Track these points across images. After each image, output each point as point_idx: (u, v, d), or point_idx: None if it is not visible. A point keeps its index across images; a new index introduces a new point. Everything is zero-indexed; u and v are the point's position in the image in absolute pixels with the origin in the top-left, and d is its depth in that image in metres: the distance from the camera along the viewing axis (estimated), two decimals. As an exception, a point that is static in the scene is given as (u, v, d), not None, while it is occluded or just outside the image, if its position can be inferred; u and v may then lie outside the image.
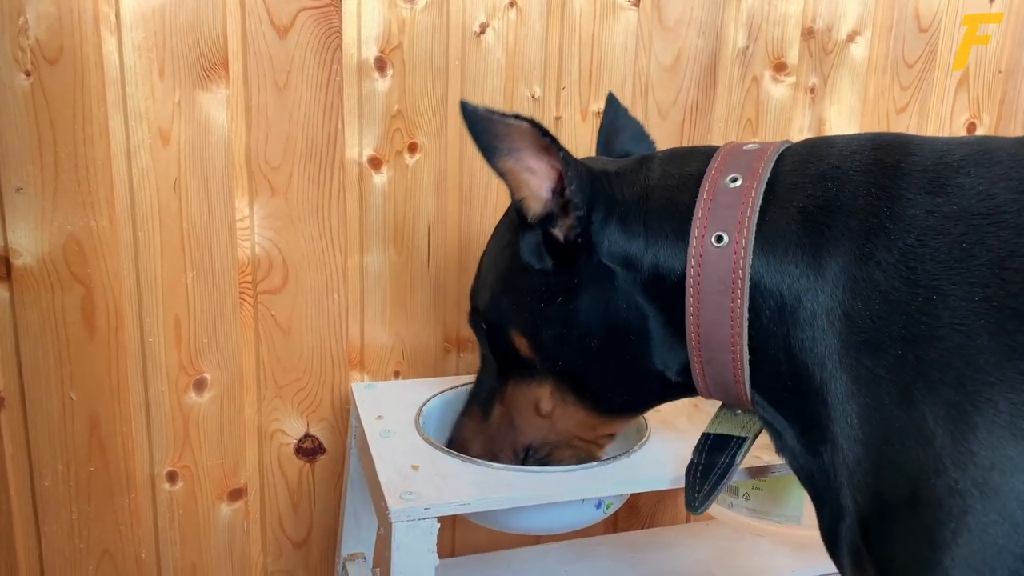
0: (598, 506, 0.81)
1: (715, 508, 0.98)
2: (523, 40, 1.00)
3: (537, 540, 1.10)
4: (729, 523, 0.97)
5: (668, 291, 0.64)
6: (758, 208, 0.60)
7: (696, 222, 0.62)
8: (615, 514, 1.18)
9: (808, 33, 1.11)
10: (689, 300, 0.62)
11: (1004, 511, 0.46)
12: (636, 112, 1.06)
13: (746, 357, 0.61)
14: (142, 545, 1.00)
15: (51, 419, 0.93)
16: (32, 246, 0.89)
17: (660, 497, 1.21)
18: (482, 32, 0.98)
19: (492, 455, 0.79)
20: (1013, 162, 0.53)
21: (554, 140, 0.63)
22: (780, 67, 1.12)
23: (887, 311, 0.52)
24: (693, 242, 0.61)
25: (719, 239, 0.60)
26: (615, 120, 0.83)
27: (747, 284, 0.59)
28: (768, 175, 0.61)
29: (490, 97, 1.00)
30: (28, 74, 0.84)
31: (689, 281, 0.62)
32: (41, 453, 0.94)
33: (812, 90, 1.14)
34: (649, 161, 0.69)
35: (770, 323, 0.59)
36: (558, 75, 1.03)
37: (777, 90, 1.12)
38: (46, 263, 0.89)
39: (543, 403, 0.74)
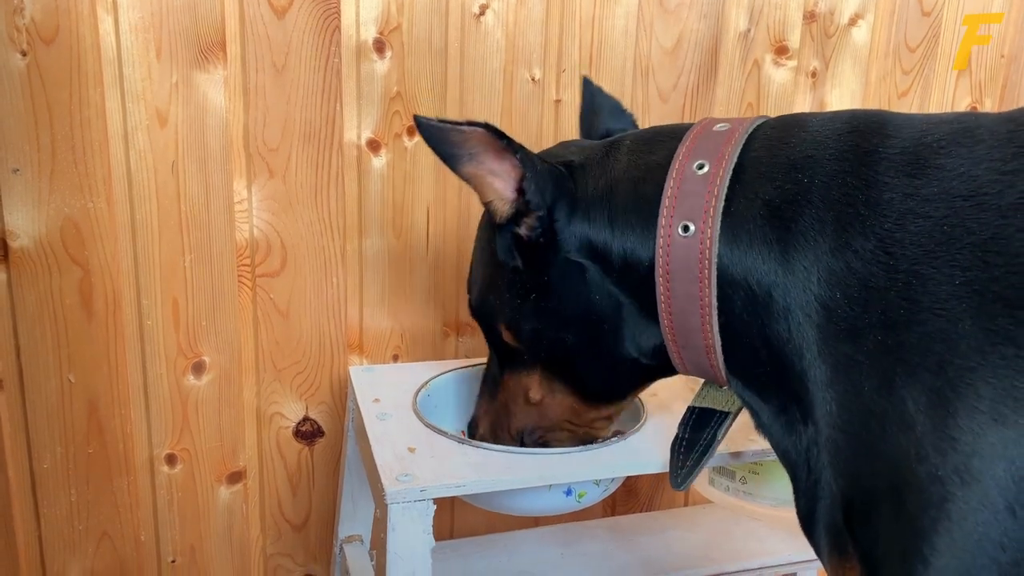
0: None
1: (711, 492, 0.98)
2: (523, 22, 0.99)
3: (535, 522, 1.11)
4: (726, 506, 0.97)
5: (639, 280, 0.64)
6: (723, 197, 0.59)
7: (663, 211, 0.61)
8: (613, 497, 1.18)
9: (810, 16, 1.10)
10: (660, 289, 0.62)
11: (985, 498, 0.45)
12: (637, 96, 1.06)
13: (719, 343, 0.61)
14: (141, 527, 1.01)
15: (49, 401, 0.94)
16: (29, 228, 0.88)
17: (658, 481, 1.21)
18: (482, 13, 0.98)
19: (494, 436, 0.80)
20: (995, 141, 0.51)
21: (510, 142, 0.63)
22: (782, 51, 1.11)
23: (866, 298, 0.52)
24: (661, 231, 0.61)
25: (686, 228, 0.60)
26: (592, 102, 0.83)
27: (714, 273, 0.59)
28: (735, 160, 0.60)
29: (489, 80, 1.00)
30: (24, 54, 0.84)
31: (658, 271, 0.62)
32: (40, 435, 0.94)
33: (814, 74, 1.13)
34: (616, 149, 0.68)
35: (743, 313, 0.59)
36: (558, 58, 1.02)
37: (778, 74, 1.11)
38: (43, 245, 0.89)
39: (532, 392, 0.76)
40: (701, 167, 0.61)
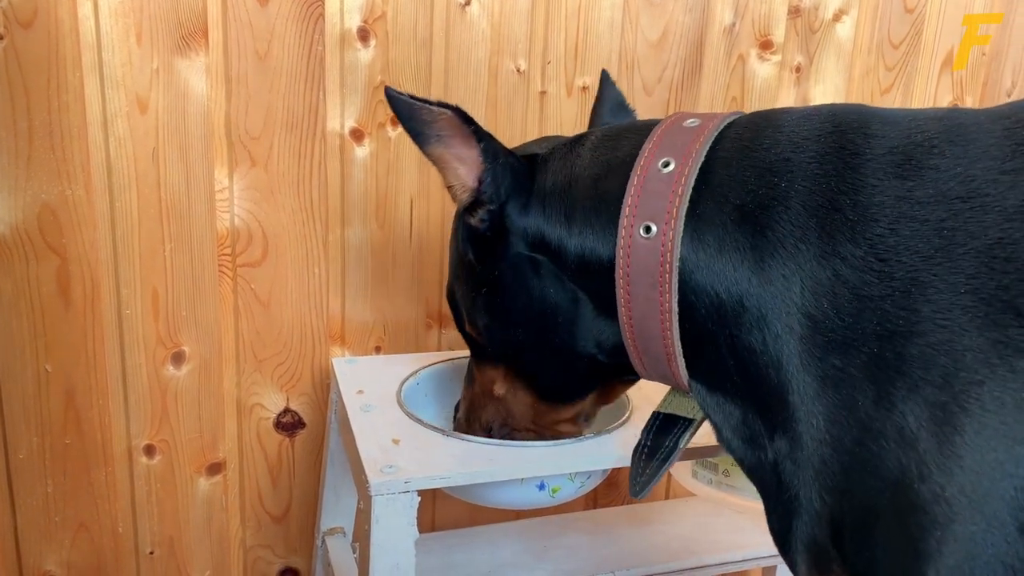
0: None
1: (694, 484, 0.98)
2: (509, 12, 0.99)
3: (517, 515, 1.11)
4: (709, 499, 0.98)
5: (597, 279, 0.62)
6: (688, 198, 0.56)
7: (625, 210, 0.59)
8: (595, 491, 1.18)
9: (794, 11, 1.11)
10: (620, 292, 0.60)
11: (993, 519, 0.42)
12: (621, 88, 1.05)
13: (679, 351, 0.59)
14: (119, 519, 1.00)
15: (26, 391, 0.92)
16: (5, 215, 0.87)
17: (640, 474, 1.21)
18: (467, 3, 0.97)
19: (468, 424, 0.80)
20: (990, 139, 0.49)
21: (477, 129, 0.62)
22: (766, 45, 1.11)
23: (858, 308, 0.49)
24: (622, 231, 0.59)
25: (647, 230, 0.58)
26: (602, 92, 0.82)
27: (675, 279, 0.57)
28: (702, 160, 0.57)
29: (474, 70, 0.99)
30: (1, 38, 0.82)
31: (619, 272, 0.59)
32: (16, 425, 0.93)
33: (798, 69, 1.13)
34: (580, 144, 0.66)
35: (707, 321, 0.56)
36: (544, 49, 1.01)
37: (763, 68, 1.12)
38: (20, 232, 0.88)
39: (496, 386, 0.75)
40: (666, 165, 0.58)
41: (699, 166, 0.57)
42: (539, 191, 0.65)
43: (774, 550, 1.05)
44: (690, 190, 0.57)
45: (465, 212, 0.67)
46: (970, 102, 1.24)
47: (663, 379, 0.64)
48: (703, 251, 0.56)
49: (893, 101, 1.20)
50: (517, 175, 0.65)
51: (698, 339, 0.58)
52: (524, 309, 0.67)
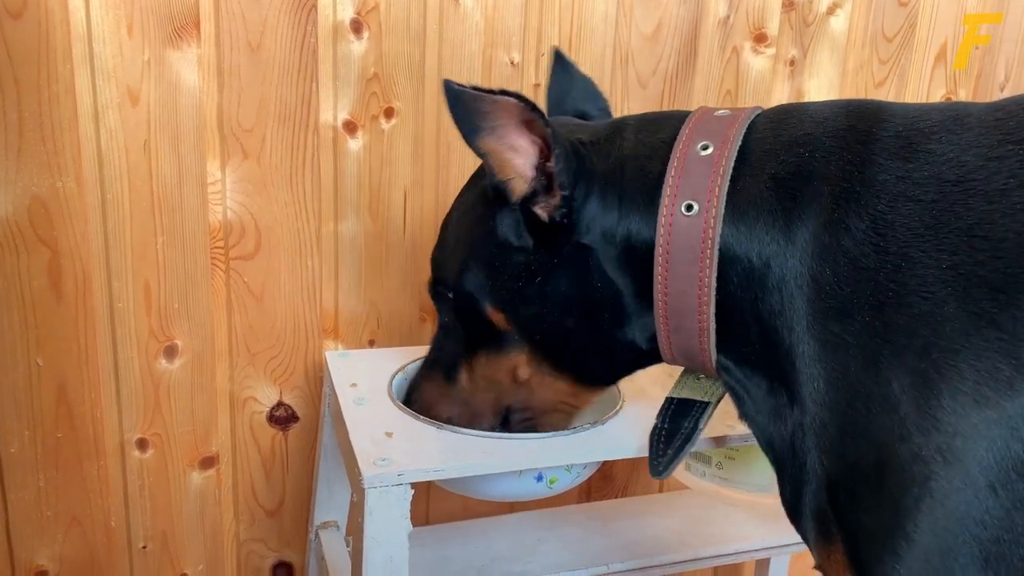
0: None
1: (687, 477, 0.98)
2: (502, 5, 0.98)
3: (511, 508, 1.11)
4: (702, 492, 0.97)
5: (639, 263, 0.63)
6: (728, 177, 0.60)
7: (666, 190, 0.61)
8: (589, 483, 1.18)
9: (789, 4, 1.11)
10: (657, 269, 0.62)
11: (967, 477, 0.46)
12: (616, 81, 1.06)
13: (712, 325, 0.61)
14: (112, 513, 0.99)
15: (17, 385, 0.92)
16: (-4, 207, 0.86)
17: (634, 466, 1.21)
18: (461, -5, 0.97)
19: (468, 420, 0.78)
20: (983, 128, 0.53)
21: (541, 115, 0.61)
22: (760, 38, 1.11)
23: (856, 277, 0.53)
24: (663, 211, 0.61)
25: (689, 208, 0.60)
26: (564, 77, 0.81)
27: (716, 253, 0.59)
28: (739, 142, 0.61)
29: (468, 63, 0.99)
30: (-10, 28, 0.82)
31: (658, 251, 0.62)
32: (7, 419, 0.92)
33: (792, 62, 1.13)
34: (622, 129, 0.67)
35: (737, 289, 0.59)
36: (538, 41, 1.01)
37: (757, 61, 1.12)
38: (10, 225, 0.87)
39: (520, 371, 0.73)
40: (705, 148, 0.61)
41: (738, 148, 0.60)
42: (596, 177, 0.65)
43: (768, 543, 1.05)
44: (731, 169, 0.60)
45: (526, 200, 0.66)
46: (963, 95, 1.24)
47: (687, 358, 0.65)
48: (743, 222, 0.59)
49: (887, 94, 1.20)
50: (580, 159, 0.65)
51: (727, 309, 0.60)
52: (580, 296, 0.67)
